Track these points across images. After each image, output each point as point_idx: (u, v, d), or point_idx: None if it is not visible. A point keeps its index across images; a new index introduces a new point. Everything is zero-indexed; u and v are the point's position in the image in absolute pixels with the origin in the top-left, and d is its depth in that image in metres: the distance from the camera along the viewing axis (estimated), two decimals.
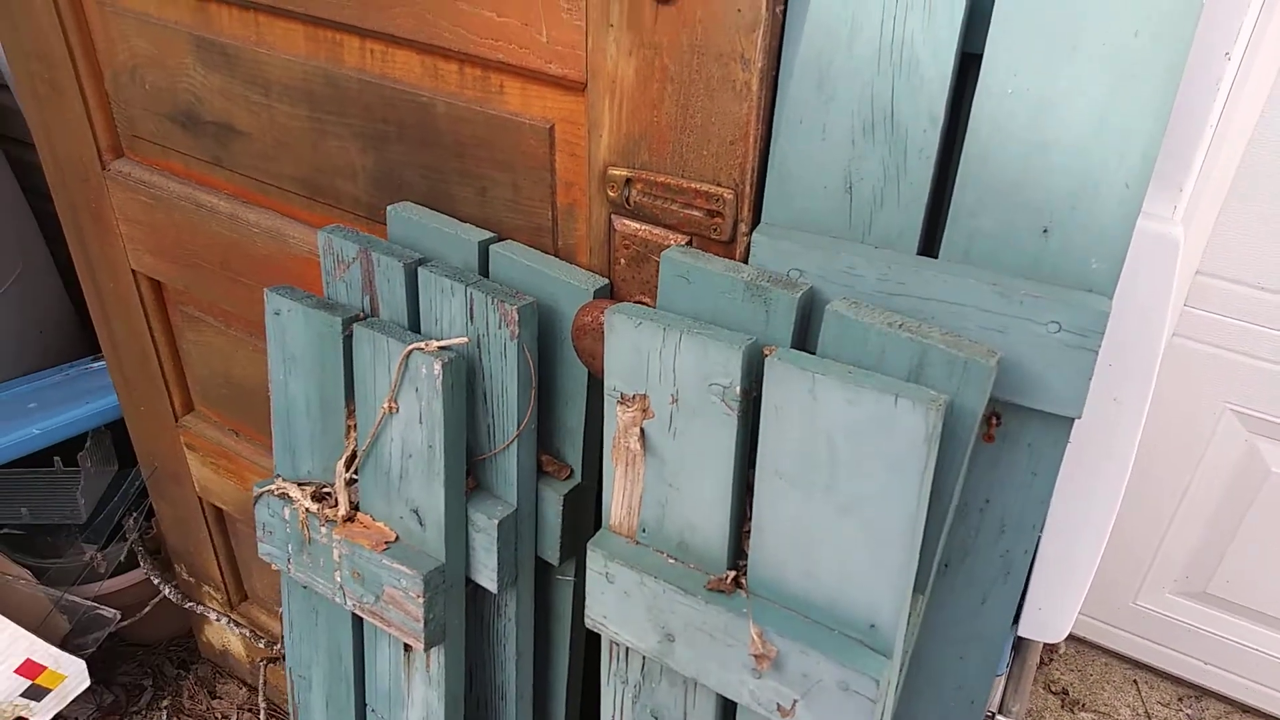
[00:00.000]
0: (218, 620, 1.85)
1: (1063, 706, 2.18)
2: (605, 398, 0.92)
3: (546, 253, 1.05)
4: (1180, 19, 0.70)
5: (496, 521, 1.05)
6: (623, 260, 0.98)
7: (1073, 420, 0.85)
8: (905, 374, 0.81)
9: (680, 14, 0.82)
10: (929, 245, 0.87)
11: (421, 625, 1.07)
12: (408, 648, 1.15)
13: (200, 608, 1.87)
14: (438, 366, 0.98)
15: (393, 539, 1.10)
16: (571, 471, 1.10)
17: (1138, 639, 2.16)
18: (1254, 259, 1.54)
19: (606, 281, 0.99)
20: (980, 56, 0.78)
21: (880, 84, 0.81)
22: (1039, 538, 0.96)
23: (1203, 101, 1.21)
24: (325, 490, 1.15)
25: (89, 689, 1.78)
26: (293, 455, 1.18)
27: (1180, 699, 2.18)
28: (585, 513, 1.12)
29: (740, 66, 0.82)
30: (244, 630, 1.84)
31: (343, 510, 1.12)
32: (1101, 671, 2.25)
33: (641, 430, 0.88)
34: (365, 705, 1.26)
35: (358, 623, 1.21)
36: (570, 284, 0.99)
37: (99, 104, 1.37)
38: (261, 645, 1.82)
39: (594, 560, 0.95)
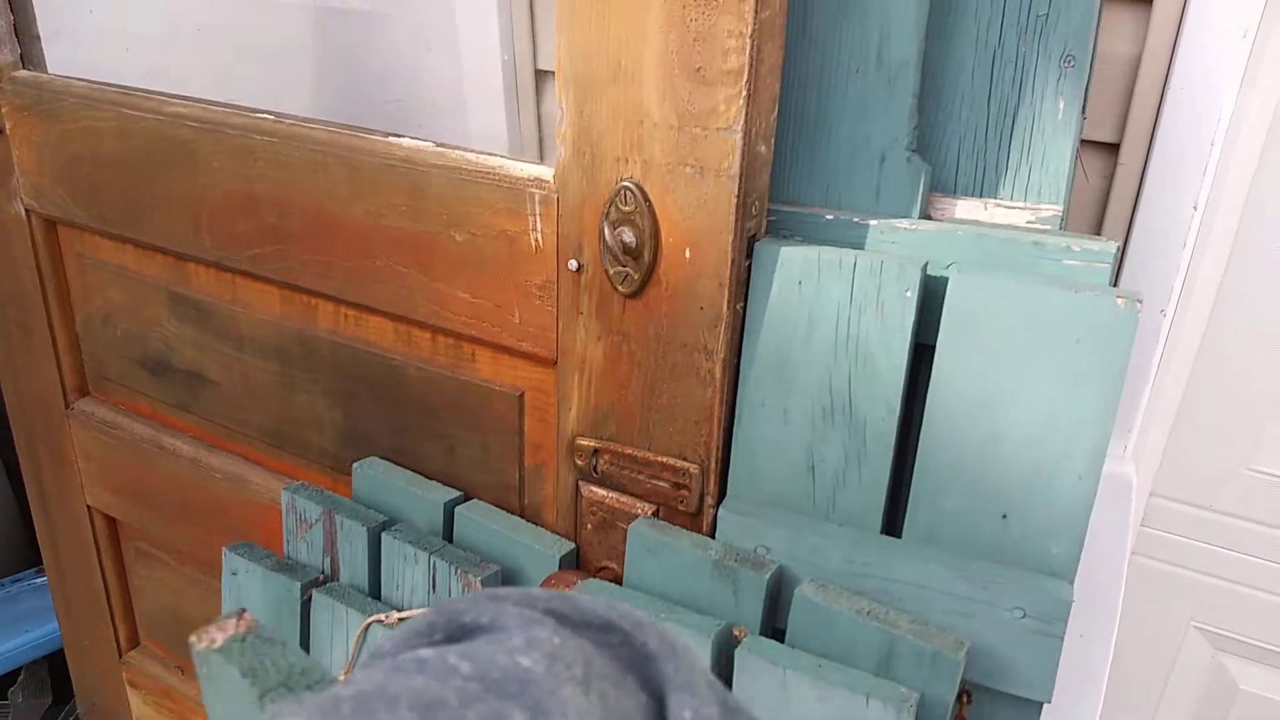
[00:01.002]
0: None
1: None
2: None
3: (513, 510, 1.05)
4: (1118, 330, 0.74)
5: None
6: (589, 525, 0.98)
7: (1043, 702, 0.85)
8: (875, 664, 0.80)
9: (647, 307, 0.85)
10: (894, 521, 0.88)
11: None
12: None
13: None
14: None
15: None
16: None
17: None
18: (1203, 482, 1.58)
19: (572, 547, 0.99)
20: (934, 346, 0.82)
21: (838, 374, 0.84)
22: None
23: (1145, 353, 1.27)
24: None
25: None
26: None
27: None
28: None
29: (704, 356, 0.85)
30: None
31: None
32: None
33: None
34: None
35: None
36: (535, 549, 0.99)
37: (68, 346, 1.38)
38: None
39: None
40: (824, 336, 0.84)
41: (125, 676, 1.61)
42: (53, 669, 1.88)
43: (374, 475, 1.09)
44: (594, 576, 0.96)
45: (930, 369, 0.83)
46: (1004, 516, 0.82)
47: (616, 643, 0.38)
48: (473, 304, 0.96)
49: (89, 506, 1.48)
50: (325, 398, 1.14)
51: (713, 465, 0.90)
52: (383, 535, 1.02)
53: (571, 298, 0.89)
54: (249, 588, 1.08)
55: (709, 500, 0.91)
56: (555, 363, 0.94)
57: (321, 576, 1.06)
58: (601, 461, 0.95)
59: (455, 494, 1.06)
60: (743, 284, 0.84)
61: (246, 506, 1.26)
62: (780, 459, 0.88)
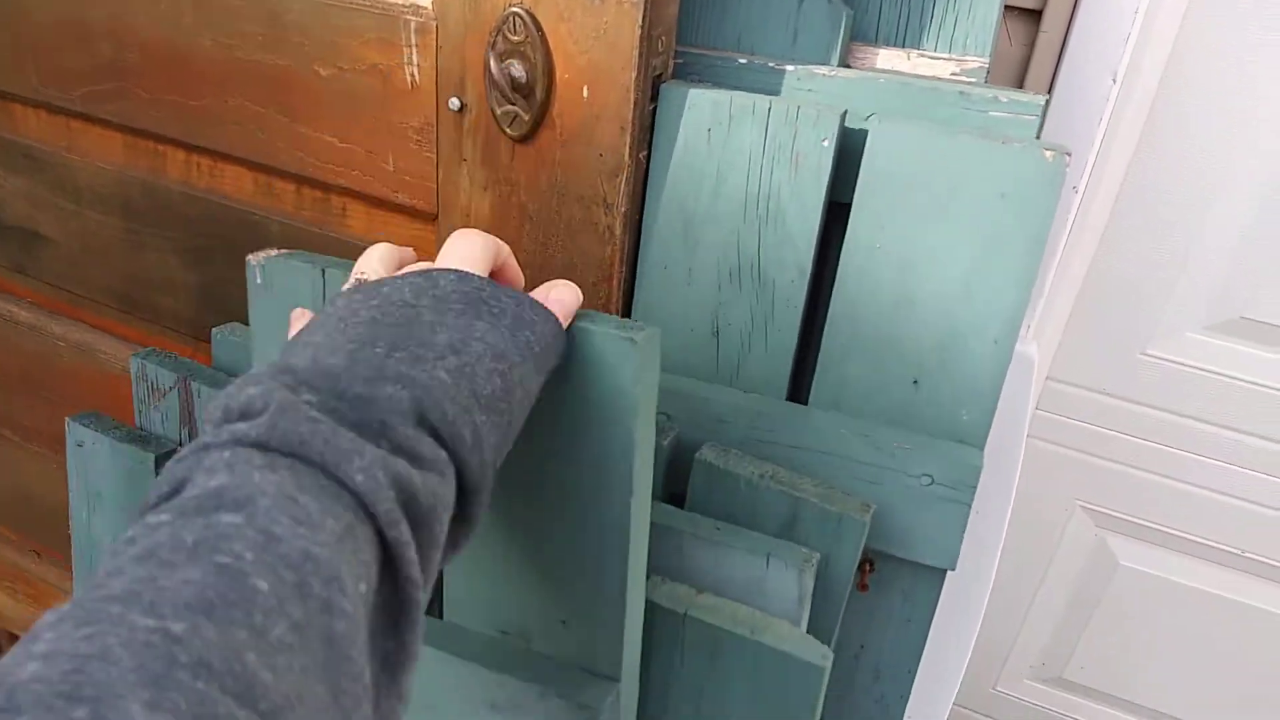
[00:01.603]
0: None
1: None
2: None
3: None
4: (1045, 185, 0.69)
5: None
6: None
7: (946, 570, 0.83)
8: (777, 529, 0.77)
9: (539, 154, 0.76)
10: (800, 388, 0.84)
11: None
12: None
13: None
14: None
15: None
16: None
17: None
18: (1097, 366, 1.60)
19: None
20: (849, 205, 0.76)
21: (746, 233, 0.77)
22: (913, 679, 0.93)
23: (1054, 233, 1.24)
24: None
25: None
26: None
27: None
28: None
29: (602, 210, 0.77)
30: None
31: None
32: None
33: None
34: None
35: None
36: None
37: None
38: None
39: None
40: (733, 191, 0.77)
41: None
42: None
43: (236, 342, 0.99)
44: None
45: (844, 229, 0.77)
46: (915, 382, 0.78)
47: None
48: (342, 150, 0.85)
49: None
50: (178, 257, 1.02)
51: None
52: None
53: (453, 142, 0.79)
54: (96, 460, 0.97)
55: None
56: (436, 217, 0.85)
57: (177, 449, 0.97)
58: None
59: None
60: (646, 130, 0.76)
61: (95, 378, 1.14)
62: (684, 324, 0.82)
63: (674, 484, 0.83)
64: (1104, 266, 1.46)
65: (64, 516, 1.34)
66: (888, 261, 0.75)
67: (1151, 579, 1.82)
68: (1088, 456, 1.71)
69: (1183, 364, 1.57)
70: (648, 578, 0.71)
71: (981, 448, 0.79)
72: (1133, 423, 1.65)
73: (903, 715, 0.95)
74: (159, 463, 0.94)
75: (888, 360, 0.78)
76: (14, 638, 1.58)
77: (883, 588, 0.86)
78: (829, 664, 0.67)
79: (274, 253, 0.70)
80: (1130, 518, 1.78)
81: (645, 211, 0.80)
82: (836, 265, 0.78)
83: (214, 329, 1.00)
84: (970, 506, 0.78)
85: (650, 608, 0.71)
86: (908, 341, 0.77)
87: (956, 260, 0.74)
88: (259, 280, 0.71)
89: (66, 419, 0.98)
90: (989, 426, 0.79)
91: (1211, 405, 1.59)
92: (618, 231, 0.78)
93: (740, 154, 0.75)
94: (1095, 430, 1.68)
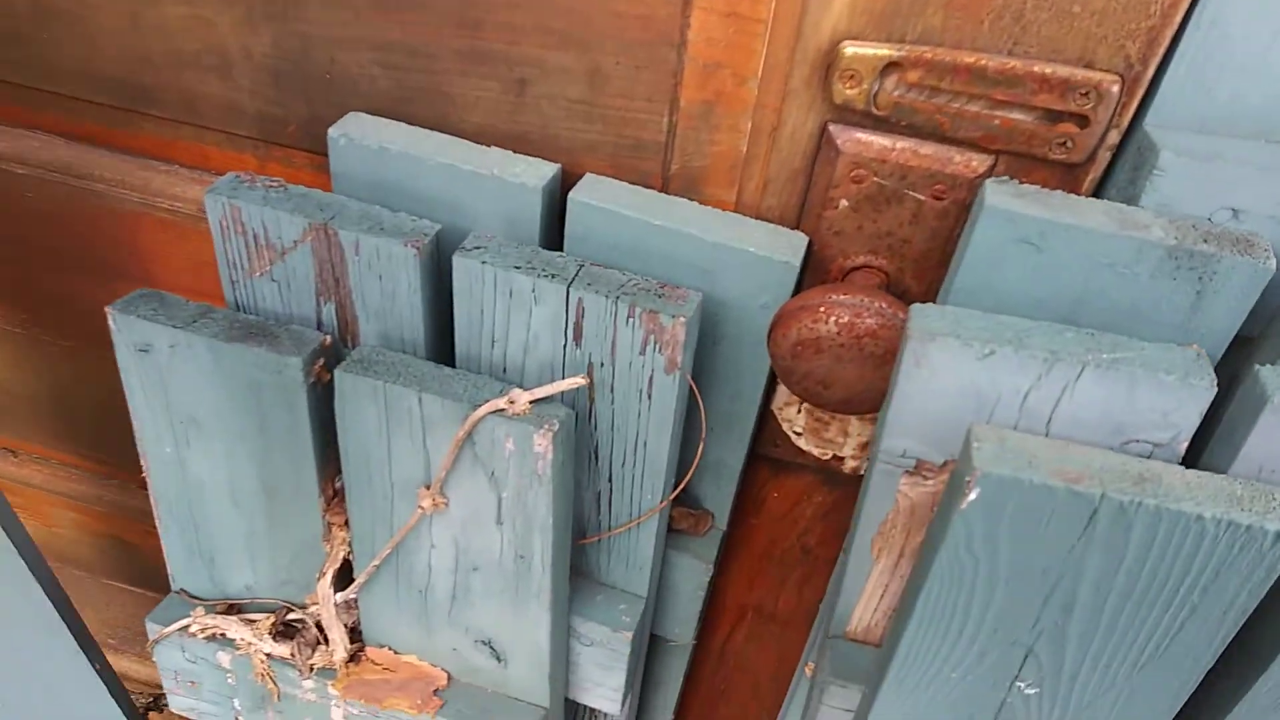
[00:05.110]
0: None
1: None
2: (877, 460, 0.53)
3: (648, 184, 0.60)
4: None
5: (628, 635, 0.65)
6: (844, 200, 0.56)
7: None
8: None
9: None
10: None
11: None
12: None
13: None
14: (542, 441, 0.53)
15: (444, 683, 0.67)
16: (712, 522, 0.70)
17: None
18: None
19: (804, 241, 0.57)
20: None
21: None
22: None
23: None
24: (293, 618, 0.69)
25: None
26: (210, 564, 0.69)
27: None
28: (720, 566, 0.75)
29: None
30: None
31: (340, 652, 0.67)
32: None
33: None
34: None
35: None
36: (749, 252, 0.55)
37: None
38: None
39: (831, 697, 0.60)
40: None
41: None
42: None
43: (373, 145, 0.58)
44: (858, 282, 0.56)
45: None
46: None
47: None
48: None
49: None
50: (233, 5, 0.58)
51: (1147, 71, 0.48)
52: (457, 259, 0.55)
53: None
54: (186, 372, 0.59)
55: (1113, 136, 0.50)
56: None
57: (327, 340, 0.58)
58: (895, 87, 0.51)
59: (553, 167, 0.58)
60: None
61: (91, 216, 0.72)
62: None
63: None
64: None
65: (43, 402, 0.95)
66: None
67: None
68: None
69: None
70: None
71: None
72: None
73: None
74: (311, 366, 0.57)
75: None
76: None
77: None
78: None
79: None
80: None
81: None
82: None
83: (330, 129, 0.59)
84: None
85: None
86: None
87: None
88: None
89: (109, 310, 0.58)
90: None
91: None
92: None
93: None
94: None
